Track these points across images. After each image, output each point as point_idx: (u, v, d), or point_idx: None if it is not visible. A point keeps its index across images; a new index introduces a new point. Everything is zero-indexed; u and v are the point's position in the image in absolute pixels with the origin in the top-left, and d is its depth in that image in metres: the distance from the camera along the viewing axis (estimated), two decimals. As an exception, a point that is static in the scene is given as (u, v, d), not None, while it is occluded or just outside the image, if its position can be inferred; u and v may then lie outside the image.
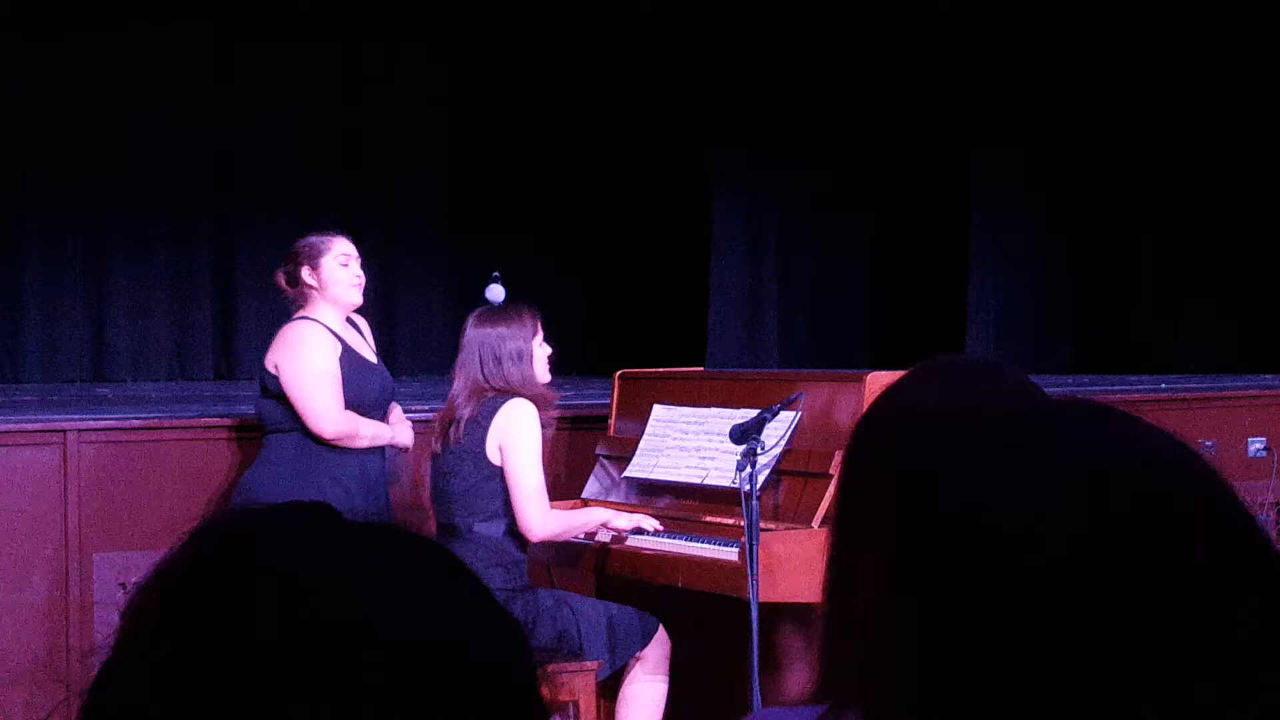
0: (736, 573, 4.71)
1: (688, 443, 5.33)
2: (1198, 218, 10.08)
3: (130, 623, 0.85)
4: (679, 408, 5.46)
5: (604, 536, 5.22)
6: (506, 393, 4.98)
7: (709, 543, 4.99)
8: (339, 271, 5.26)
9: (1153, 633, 0.86)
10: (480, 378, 5.01)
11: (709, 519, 5.15)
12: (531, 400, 4.98)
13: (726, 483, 5.01)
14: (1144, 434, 0.95)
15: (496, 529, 4.97)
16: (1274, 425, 6.83)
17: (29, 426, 5.59)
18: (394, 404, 5.47)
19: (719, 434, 5.07)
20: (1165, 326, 10.37)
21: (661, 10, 11.13)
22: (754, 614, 4.54)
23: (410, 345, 11.19)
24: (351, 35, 11.39)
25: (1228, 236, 9.98)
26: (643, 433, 5.50)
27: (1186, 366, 9.71)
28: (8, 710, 5.30)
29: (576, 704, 4.92)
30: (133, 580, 5.34)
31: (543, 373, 5.07)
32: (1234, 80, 9.91)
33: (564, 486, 5.70)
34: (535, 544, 5.05)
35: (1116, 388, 7.70)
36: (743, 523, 4.61)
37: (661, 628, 5.09)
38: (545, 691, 0.87)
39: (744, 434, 4.71)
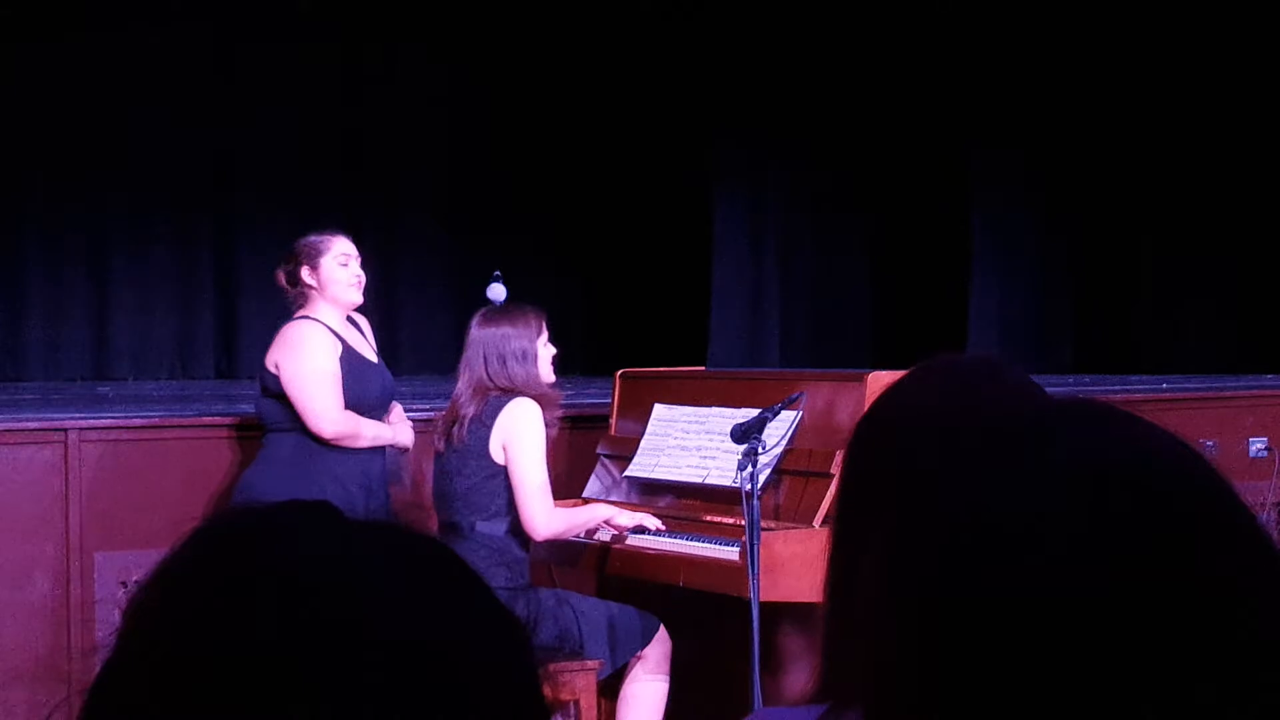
0: (737, 572, 4.71)
1: (689, 442, 5.33)
2: (1198, 218, 10.08)
3: (130, 622, 0.85)
4: (680, 407, 5.46)
5: (605, 535, 5.22)
6: (510, 392, 4.99)
7: (710, 542, 5.00)
8: (338, 271, 5.26)
9: (1153, 633, 0.86)
10: (485, 377, 5.01)
11: (710, 518, 5.15)
12: (536, 400, 4.99)
13: (727, 482, 5.02)
14: (1145, 434, 0.95)
15: (499, 528, 4.97)
16: (1275, 425, 6.83)
17: (30, 425, 5.59)
18: (395, 403, 5.47)
19: (720, 433, 5.07)
20: (1165, 326, 10.37)
21: (661, 10, 11.13)
22: (755, 613, 4.54)
23: (410, 345, 11.19)
24: (351, 35, 11.39)
25: (1228, 236, 9.98)
26: (644, 432, 5.50)
27: (1186, 366, 9.71)
28: (9, 709, 5.30)
29: (577, 703, 4.93)
30: (134, 579, 5.35)
31: (547, 373, 5.08)
32: (1234, 80, 9.91)
33: (565, 486, 5.70)
34: (536, 543, 5.05)
35: (1116, 388, 7.69)
36: (743, 522, 4.61)
37: (662, 627, 5.09)
38: (546, 691, 0.87)
39: (745, 433, 4.71)
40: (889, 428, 1.65)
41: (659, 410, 5.51)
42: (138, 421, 5.77)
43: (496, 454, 4.96)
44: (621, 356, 8.06)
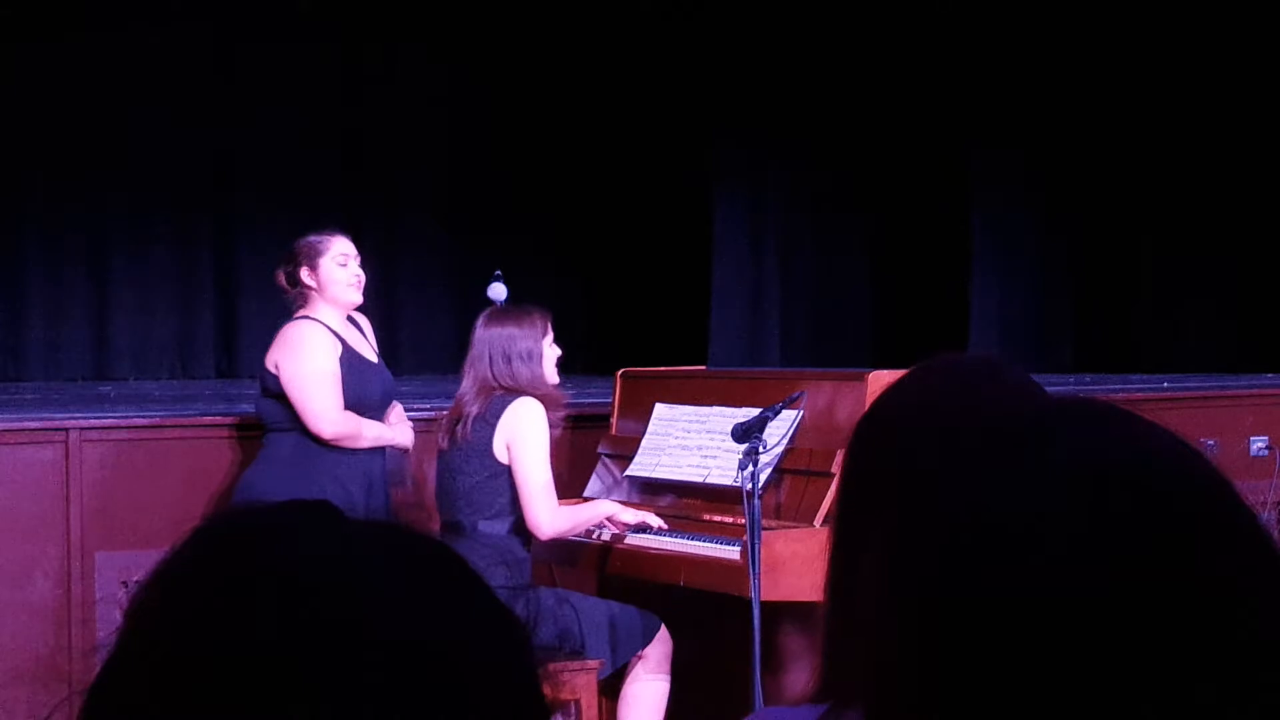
0: (738, 571, 4.71)
1: (690, 441, 5.33)
2: (1197, 218, 10.07)
3: (130, 622, 0.85)
4: (681, 406, 5.46)
5: (606, 534, 5.22)
6: (514, 391, 5.00)
7: (711, 541, 5.00)
8: (337, 271, 5.26)
9: (1153, 633, 0.86)
10: (489, 376, 5.02)
11: (711, 518, 5.15)
12: (540, 400, 4.99)
13: (728, 481, 5.02)
14: (1145, 433, 0.95)
15: (501, 527, 4.98)
16: (1276, 424, 6.83)
17: (31, 425, 5.59)
18: (395, 403, 5.47)
19: (721, 433, 5.07)
20: (1165, 326, 10.36)
21: (661, 10, 11.13)
22: (756, 613, 4.54)
23: (411, 345, 11.19)
24: (351, 35, 11.39)
25: (1228, 236, 9.97)
26: (645, 431, 5.50)
27: (1187, 366, 9.70)
28: (10, 708, 5.30)
29: (578, 702, 4.93)
30: (135, 579, 5.34)
31: (551, 373, 5.09)
32: (1234, 80, 9.90)
33: (566, 485, 5.70)
34: (537, 542, 5.06)
35: (1117, 387, 7.69)
36: (744, 521, 4.61)
37: (663, 626, 5.10)
38: (547, 690, 0.87)
39: (746, 433, 4.71)
40: (889, 427, 1.65)
41: (660, 410, 5.51)
42: (138, 421, 5.77)
43: (500, 453, 4.97)
44: (622, 356, 8.06)
